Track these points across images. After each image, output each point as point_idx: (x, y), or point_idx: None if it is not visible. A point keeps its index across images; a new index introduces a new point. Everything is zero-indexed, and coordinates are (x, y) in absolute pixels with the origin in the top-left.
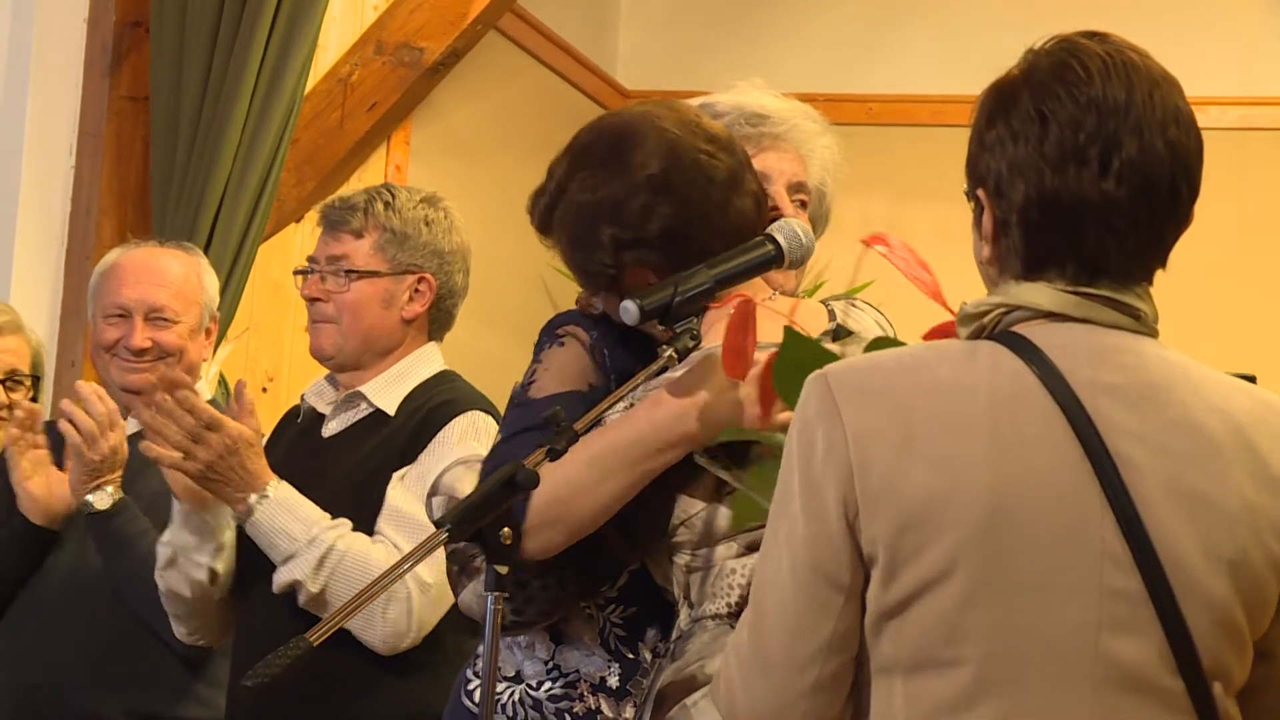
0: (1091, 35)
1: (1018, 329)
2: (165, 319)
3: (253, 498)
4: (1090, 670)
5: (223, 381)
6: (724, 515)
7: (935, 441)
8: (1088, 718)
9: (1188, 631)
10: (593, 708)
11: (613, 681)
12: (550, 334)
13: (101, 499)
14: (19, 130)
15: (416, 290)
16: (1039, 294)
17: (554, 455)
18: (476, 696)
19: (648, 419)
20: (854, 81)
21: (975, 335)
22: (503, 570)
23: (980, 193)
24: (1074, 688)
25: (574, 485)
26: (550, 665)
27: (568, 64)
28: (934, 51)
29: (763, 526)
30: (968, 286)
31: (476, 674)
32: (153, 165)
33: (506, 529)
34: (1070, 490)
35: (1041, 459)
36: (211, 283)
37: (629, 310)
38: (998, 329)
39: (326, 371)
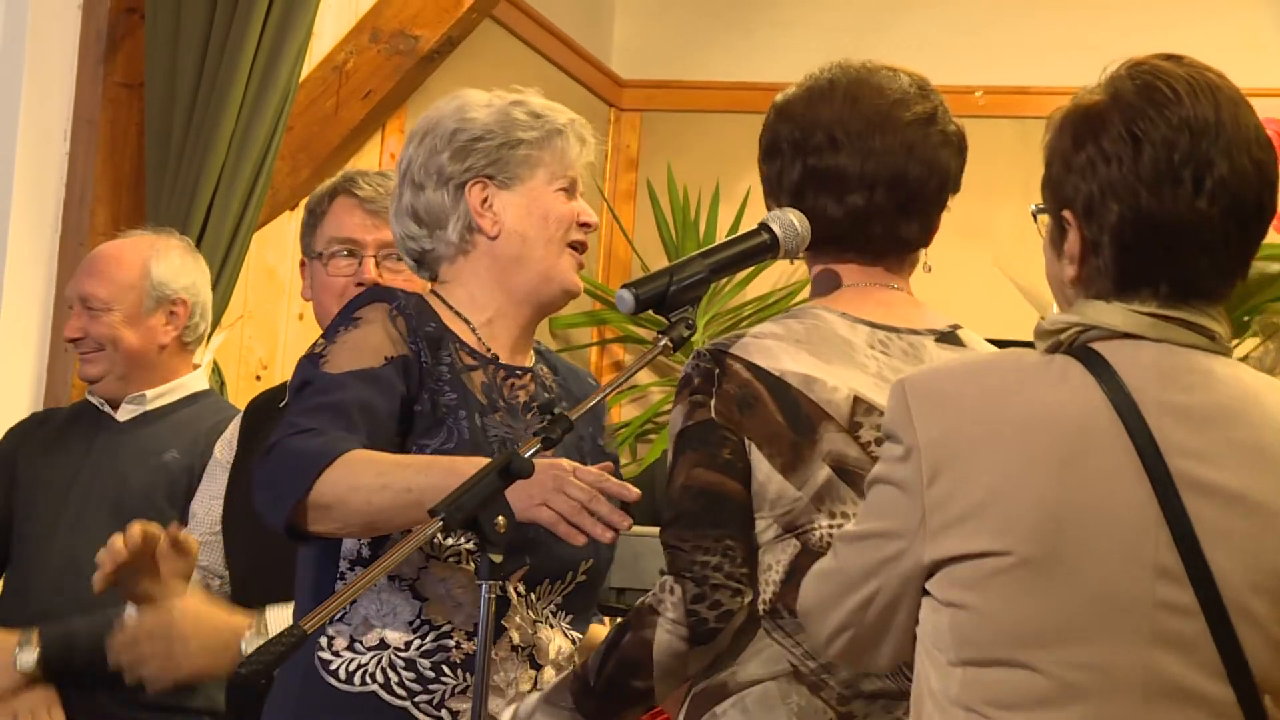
0: (1168, 57)
1: (1094, 346)
2: (93, 308)
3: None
4: (1142, 680)
5: (217, 370)
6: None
7: (999, 451)
8: None
9: (1239, 644)
10: (470, 653)
11: None
12: (345, 316)
13: (28, 655)
14: (13, 116)
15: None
16: (1114, 315)
17: (548, 444)
18: (342, 673)
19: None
20: None
21: (1052, 350)
22: (497, 559)
23: (1067, 214)
24: (1126, 698)
25: (363, 489)
26: (418, 624)
27: (562, 53)
28: (932, 41)
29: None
30: (960, 280)
31: (336, 653)
32: (147, 152)
33: (501, 518)
34: (1127, 505)
35: (1100, 474)
36: (164, 265)
37: (624, 299)
38: (1074, 345)
39: None
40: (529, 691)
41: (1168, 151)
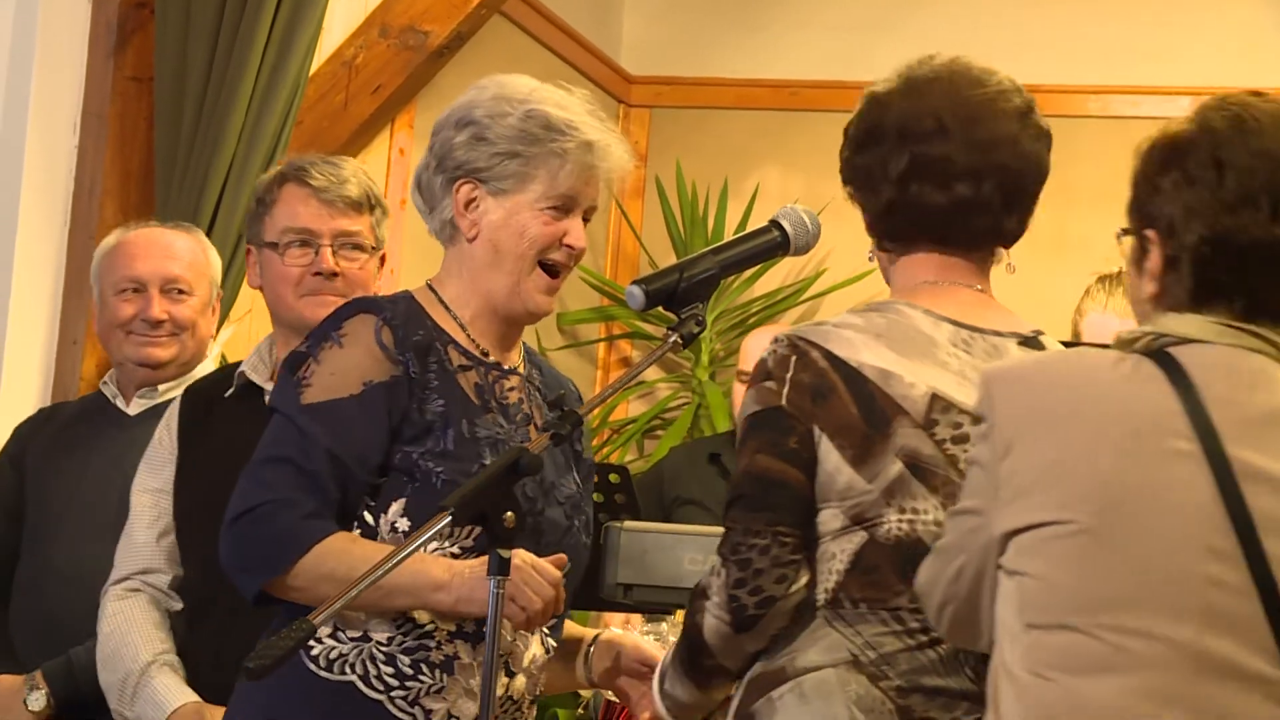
0: (1254, 93)
1: (1166, 350)
2: (181, 290)
3: None
4: (1193, 655)
5: (224, 364)
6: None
7: (1067, 429)
8: (1188, 703)
9: None
10: (450, 654)
11: (469, 626)
12: (331, 328)
13: (38, 697)
14: (23, 110)
15: (379, 270)
16: (1187, 324)
17: (558, 439)
18: (322, 660)
19: (419, 590)
20: (860, 69)
21: None
22: (505, 554)
23: (1150, 233)
24: (1177, 670)
25: (337, 579)
26: (402, 620)
27: (572, 49)
28: (940, 39)
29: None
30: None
31: (318, 639)
32: (156, 146)
33: (510, 513)
34: (1185, 488)
35: (1162, 456)
36: (216, 260)
37: (634, 295)
38: (1148, 351)
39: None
40: (502, 696)
41: (1249, 177)
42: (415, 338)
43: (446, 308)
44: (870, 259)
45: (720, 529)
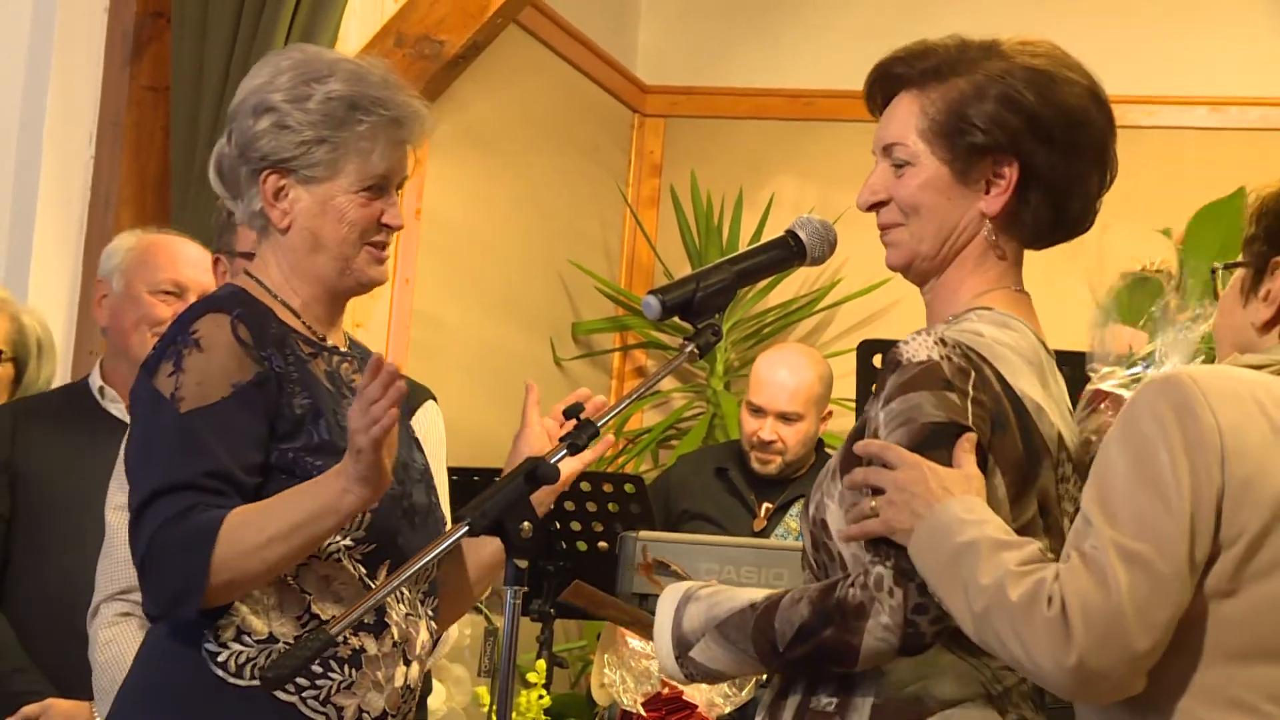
0: None
1: None
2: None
3: None
4: None
5: None
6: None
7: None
8: None
9: None
10: (357, 648)
11: (369, 617)
12: (184, 331)
13: None
14: (39, 119)
15: None
16: None
17: (574, 450)
18: (231, 665)
19: (315, 501)
20: None
21: None
22: (522, 565)
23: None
24: None
25: (256, 546)
26: (306, 618)
27: (587, 58)
28: None
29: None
30: None
31: (224, 644)
32: (172, 155)
33: (526, 523)
34: None
35: None
36: None
37: (650, 305)
38: None
39: None
40: (401, 687)
41: None
42: (271, 331)
43: (275, 296)
44: (991, 240)
45: (733, 539)
